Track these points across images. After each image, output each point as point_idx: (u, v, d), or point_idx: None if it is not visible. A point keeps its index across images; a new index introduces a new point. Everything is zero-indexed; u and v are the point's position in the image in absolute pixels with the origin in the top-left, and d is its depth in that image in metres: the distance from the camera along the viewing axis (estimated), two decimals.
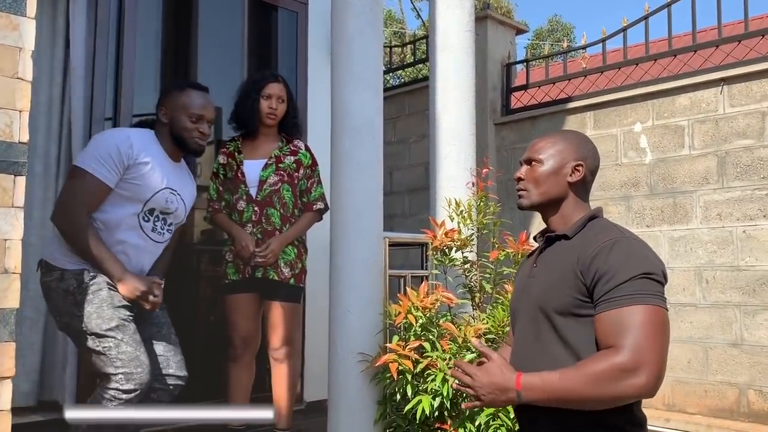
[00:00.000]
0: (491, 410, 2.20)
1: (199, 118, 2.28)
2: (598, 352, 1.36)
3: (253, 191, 2.80)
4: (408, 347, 2.41)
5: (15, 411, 2.23)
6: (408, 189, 5.54)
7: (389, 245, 3.00)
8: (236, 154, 2.86)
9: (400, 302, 2.47)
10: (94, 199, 2.09)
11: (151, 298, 2.13)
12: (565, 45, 5.27)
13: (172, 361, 2.22)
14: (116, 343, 2.00)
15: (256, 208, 2.78)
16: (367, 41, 2.71)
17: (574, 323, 1.44)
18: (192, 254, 3.55)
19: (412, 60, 6.54)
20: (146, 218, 2.20)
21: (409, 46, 7.54)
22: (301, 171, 2.88)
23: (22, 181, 1.67)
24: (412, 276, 3.12)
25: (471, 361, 2.37)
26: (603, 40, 4.63)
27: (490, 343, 2.54)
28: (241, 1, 3.71)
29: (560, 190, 1.60)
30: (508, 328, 2.46)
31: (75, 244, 2.08)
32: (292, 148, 2.90)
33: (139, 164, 2.14)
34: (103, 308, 2.04)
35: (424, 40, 5.71)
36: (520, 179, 1.65)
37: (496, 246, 2.71)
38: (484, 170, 2.88)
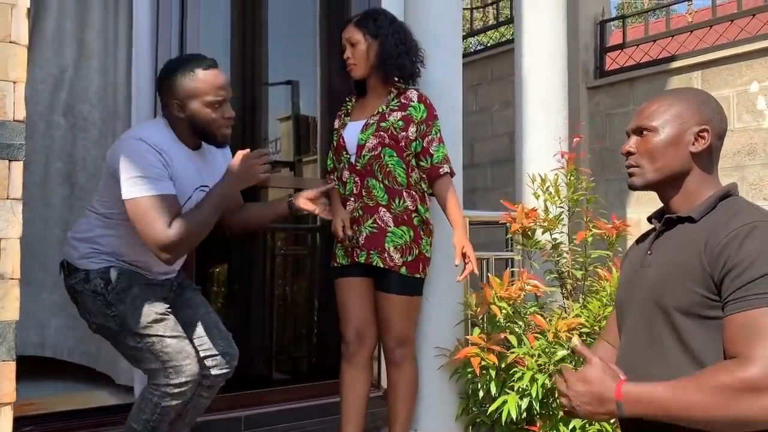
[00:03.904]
0: None
1: (221, 102, 1.92)
2: (721, 362, 1.12)
3: (353, 158, 2.36)
4: (491, 340, 2.17)
5: None
6: (490, 161, 5.21)
7: (470, 224, 2.73)
8: (343, 116, 2.48)
9: (483, 290, 2.22)
10: (174, 211, 1.82)
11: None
12: None
13: (218, 339, 2.04)
14: (159, 338, 1.86)
15: (357, 179, 2.34)
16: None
17: (700, 327, 1.17)
18: (308, 231, 3.06)
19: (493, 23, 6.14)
20: None
21: (491, 7, 7.10)
22: (411, 128, 2.34)
23: (18, 167, 1.42)
24: (495, 259, 2.85)
25: (563, 359, 2.12)
26: None
27: (585, 338, 2.25)
28: None
29: (681, 163, 1.30)
30: (608, 321, 2.16)
31: (206, 226, 1.85)
32: (403, 101, 2.37)
33: (172, 168, 1.88)
34: (137, 305, 1.89)
35: (507, 2, 5.31)
36: (629, 153, 1.36)
37: (587, 226, 2.39)
38: (575, 139, 2.55)
